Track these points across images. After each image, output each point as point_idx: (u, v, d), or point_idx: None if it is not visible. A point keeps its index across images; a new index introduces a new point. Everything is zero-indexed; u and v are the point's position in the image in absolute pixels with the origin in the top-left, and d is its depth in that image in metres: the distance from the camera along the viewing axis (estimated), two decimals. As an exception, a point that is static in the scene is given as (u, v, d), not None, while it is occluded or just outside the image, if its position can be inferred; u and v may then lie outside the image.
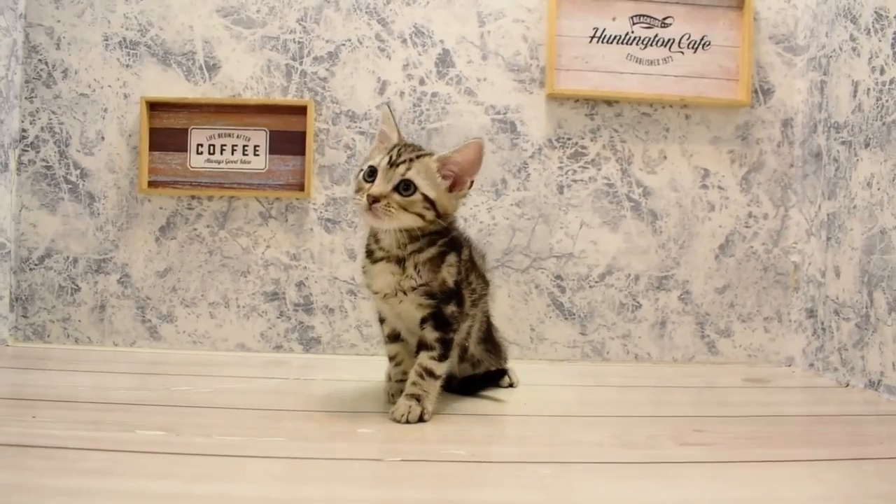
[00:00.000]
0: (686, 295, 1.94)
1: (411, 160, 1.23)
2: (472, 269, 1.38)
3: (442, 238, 1.28)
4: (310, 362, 1.80)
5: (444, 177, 1.26)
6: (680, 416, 1.36)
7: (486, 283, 1.45)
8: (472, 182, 1.29)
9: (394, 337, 1.37)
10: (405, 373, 1.31)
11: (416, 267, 1.25)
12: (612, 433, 1.20)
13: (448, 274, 1.27)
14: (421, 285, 1.25)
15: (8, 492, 0.86)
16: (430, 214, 1.23)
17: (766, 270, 1.95)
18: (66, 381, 1.51)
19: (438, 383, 1.26)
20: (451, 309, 1.27)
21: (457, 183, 1.28)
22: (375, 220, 1.21)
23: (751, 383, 1.69)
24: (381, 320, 1.38)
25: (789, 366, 1.93)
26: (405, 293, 1.26)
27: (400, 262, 1.26)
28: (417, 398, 1.23)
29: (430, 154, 1.27)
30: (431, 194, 1.23)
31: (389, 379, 1.39)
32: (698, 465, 1.04)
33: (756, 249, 1.95)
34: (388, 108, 1.34)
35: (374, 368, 1.31)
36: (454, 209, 1.29)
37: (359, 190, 1.23)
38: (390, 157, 1.22)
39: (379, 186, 1.20)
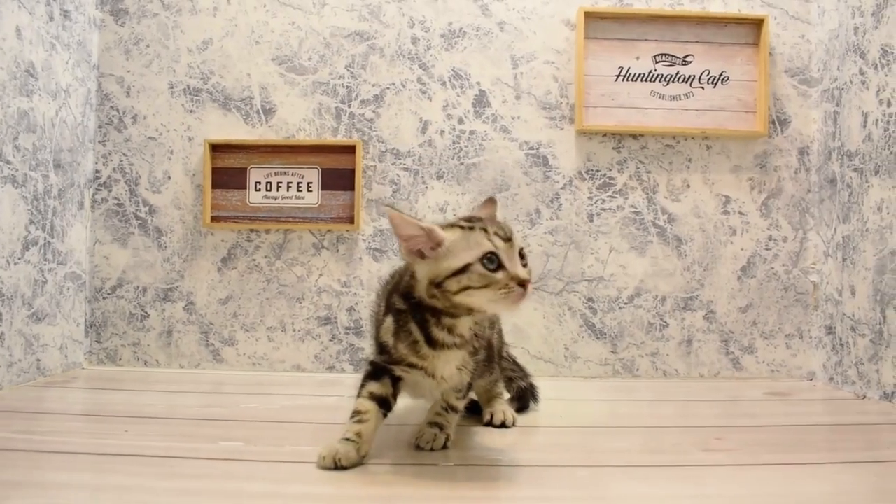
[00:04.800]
0: (711, 314, 2.06)
1: (511, 229, 1.13)
2: None
3: None
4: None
5: None
6: (705, 427, 1.48)
7: None
8: None
9: (376, 398, 1.21)
10: (359, 435, 1.15)
11: (474, 343, 1.20)
12: (641, 441, 1.33)
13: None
14: (474, 355, 1.22)
15: (126, 491, 1.02)
16: None
17: (786, 290, 2.07)
18: (143, 400, 1.67)
19: (458, 416, 1.29)
20: (480, 356, 1.25)
21: None
22: (523, 303, 1.08)
23: (773, 396, 1.81)
24: (372, 376, 1.23)
25: (811, 380, 2.04)
26: (460, 370, 1.20)
27: (467, 345, 1.18)
28: (440, 427, 1.25)
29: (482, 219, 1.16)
30: None
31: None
32: (719, 467, 1.17)
33: (776, 270, 2.07)
34: (394, 207, 1.14)
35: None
36: None
37: (487, 286, 1.06)
38: (498, 234, 1.09)
39: (522, 269, 1.08)
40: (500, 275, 1.06)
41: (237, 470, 1.12)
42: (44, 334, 1.88)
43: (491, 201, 1.26)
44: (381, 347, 1.22)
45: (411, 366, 1.18)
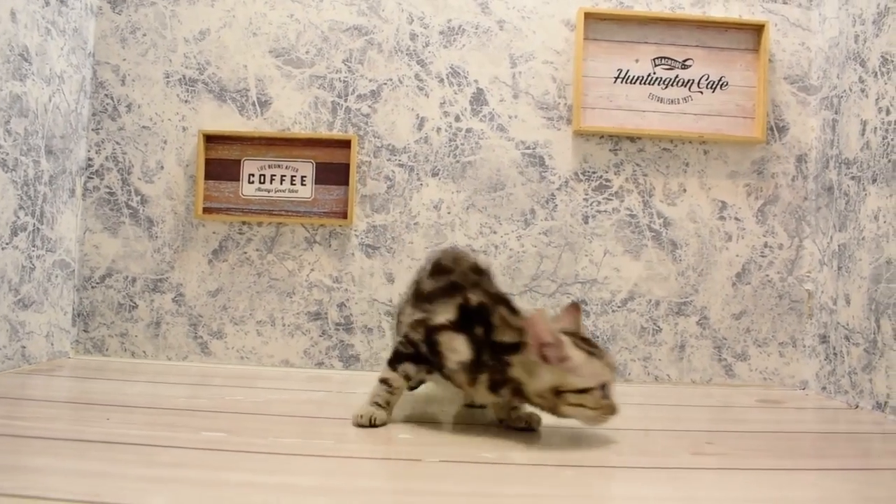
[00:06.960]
0: (704, 320, 2.05)
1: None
2: None
3: None
4: (349, 378, 1.92)
5: None
6: (695, 431, 1.46)
7: None
8: None
9: (407, 378, 1.40)
10: (388, 403, 1.37)
11: None
12: (629, 443, 1.32)
13: None
14: None
15: (104, 477, 1.00)
16: None
17: (780, 298, 2.06)
18: (128, 389, 1.65)
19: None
20: None
21: None
22: None
23: (765, 404, 1.79)
24: (411, 359, 1.38)
25: (803, 389, 2.03)
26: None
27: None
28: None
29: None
30: None
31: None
32: (708, 471, 1.15)
33: (771, 278, 2.06)
34: (542, 312, 1.25)
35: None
36: None
37: (595, 408, 1.23)
38: (610, 365, 1.26)
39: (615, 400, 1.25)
40: (606, 402, 1.22)
41: (217, 459, 1.10)
42: (30, 321, 1.86)
43: (575, 308, 1.35)
44: (431, 348, 1.33)
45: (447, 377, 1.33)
